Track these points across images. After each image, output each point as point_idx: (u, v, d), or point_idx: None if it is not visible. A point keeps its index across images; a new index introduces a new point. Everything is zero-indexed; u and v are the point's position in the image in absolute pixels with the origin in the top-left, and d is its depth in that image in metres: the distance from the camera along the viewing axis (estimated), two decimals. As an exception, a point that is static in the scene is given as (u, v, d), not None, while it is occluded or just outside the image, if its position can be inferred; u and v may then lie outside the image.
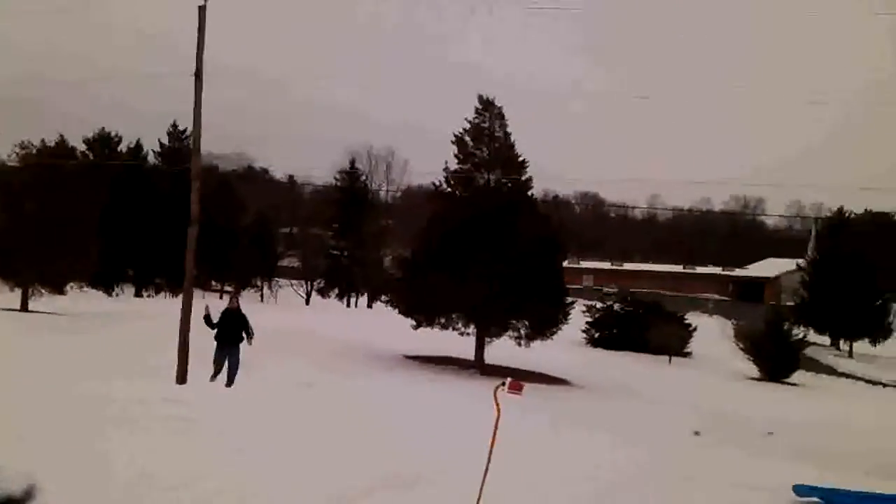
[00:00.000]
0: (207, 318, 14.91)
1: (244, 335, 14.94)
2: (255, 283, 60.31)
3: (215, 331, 14.91)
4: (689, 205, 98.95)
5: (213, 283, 53.57)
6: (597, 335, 40.38)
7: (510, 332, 24.50)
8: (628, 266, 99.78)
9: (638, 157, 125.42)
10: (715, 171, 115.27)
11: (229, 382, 14.57)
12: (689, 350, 38.84)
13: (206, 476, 6.63)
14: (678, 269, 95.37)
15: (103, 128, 56.67)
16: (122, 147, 56.72)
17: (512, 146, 25.38)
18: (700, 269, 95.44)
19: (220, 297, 14.78)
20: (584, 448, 11.02)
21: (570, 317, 25.38)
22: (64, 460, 6.55)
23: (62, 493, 5.66)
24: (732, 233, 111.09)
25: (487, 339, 24.54)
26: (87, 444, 7.23)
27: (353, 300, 64.69)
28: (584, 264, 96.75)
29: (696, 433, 16.31)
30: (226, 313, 15.09)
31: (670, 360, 35.67)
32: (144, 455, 7.06)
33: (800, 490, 8.50)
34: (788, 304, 54.62)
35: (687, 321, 40.79)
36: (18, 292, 29.67)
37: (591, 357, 34.45)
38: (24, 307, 28.79)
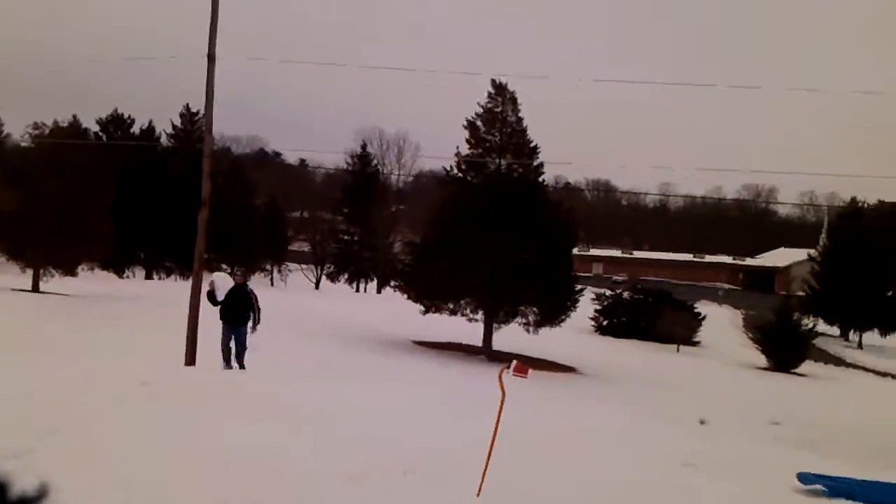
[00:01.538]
0: (211, 295, 13.74)
1: (250, 315, 13.68)
2: (265, 267, 60.51)
3: (219, 308, 13.68)
4: (701, 192, 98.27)
5: (224, 266, 53.91)
6: (605, 323, 40.39)
7: (519, 319, 24.53)
8: (638, 254, 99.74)
9: (649, 144, 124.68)
10: (727, 160, 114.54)
11: (240, 365, 13.55)
12: (697, 339, 38.82)
13: (203, 458, 6.69)
14: (689, 257, 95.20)
15: (116, 109, 56.84)
16: (135, 129, 56.84)
17: (524, 131, 25.32)
18: (710, 258, 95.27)
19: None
20: (586, 434, 11.09)
21: (578, 304, 25.40)
22: (63, 439, 6.63)
23: (56, 465, 5.75)
24: (744, 222, 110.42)
25: (496, 326, 24.57)
26: (86, 422, 7.31)
27: (362, 285, 64.83)
28: (594, 252, 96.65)
29: (702, 422, 16.32)
30: (233, 290, 13.79)
31: (678, 348, 35.68)
32: (141, 435, 7.14)
33: (804, 478, 8.53)
34: (799, 293, 54.50)
35: (696, 310, 40.78)
36: (30, 273, 29.87)
37: (598, 345, 34.50)
38: (35, 288, 29.01)
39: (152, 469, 6.17)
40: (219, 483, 6.07)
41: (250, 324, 13.66)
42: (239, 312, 13.65)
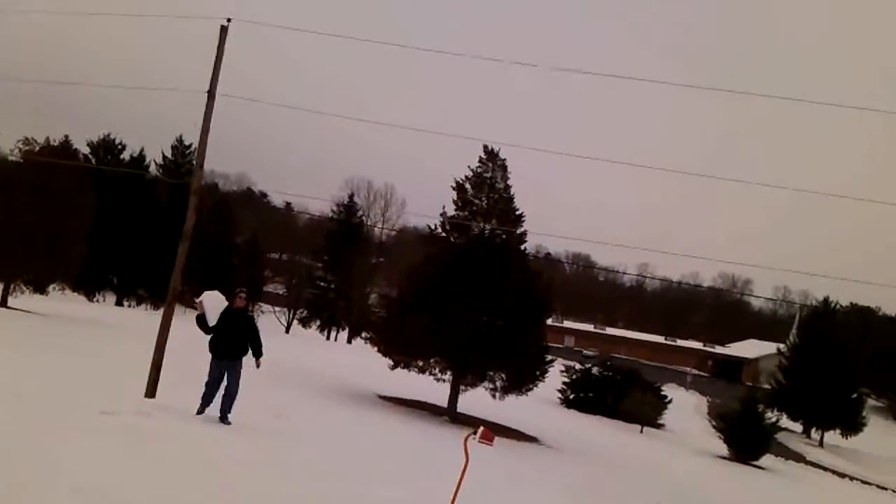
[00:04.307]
0: (201, 319, 11.48)
1: (250, 348, 11.43)
2: (238, 305, 60.07)
3: (210, 337, 11.45)
4: (678, 276, 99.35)
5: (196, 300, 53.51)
6: (572, 396, 40.33)
7: (486, 384, 24.42)
8: (611, 331, 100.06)
9: (629, 224, 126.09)
10: (705, 248, 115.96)
11: (224, 413, 11.20)
12: (662, 422, 38.79)
13: (152, 495, 6.59)
14: (660, 339, 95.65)
15: (108, 133, 56.95)
16: (125, 155, 56.87)
17: (511, 199, 25.53)
18: (682, 342, 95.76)
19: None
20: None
21: (547, 375, 25.34)
22: (13, 462, 6.51)
23: (3, 492, 5.64)
24: (718, 310, 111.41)
25: (462, 388, 24.43)
26: (41, 449, 7.19)
27: (333, 333, 64.47)
28: (568, 324, 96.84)
29: (660, 505, 16.25)
30: (228, 313, 11.48)
31: (642, 429, 35.58)
32: (92, 465, 7.02)
33: None
34: (765, 386, 54.87)
35: (663, 392, 40.84)
36: (-1, 287, 29.52)
37: (563, 417, 34.39)
38: (2, 303, 28.61)
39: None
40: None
41: (248, 358, 11.43)
42: (236, 343, 11.36)
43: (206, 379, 11.39)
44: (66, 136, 43.14)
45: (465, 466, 6.93)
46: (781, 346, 61.77)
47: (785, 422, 43.44)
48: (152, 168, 58.18)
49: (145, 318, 32.87)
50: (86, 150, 54.08)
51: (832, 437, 50.30)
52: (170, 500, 6.43)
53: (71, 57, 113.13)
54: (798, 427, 52.14)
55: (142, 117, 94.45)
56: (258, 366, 11.44)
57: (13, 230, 27.77)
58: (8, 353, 16.07)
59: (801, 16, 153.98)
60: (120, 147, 57.04)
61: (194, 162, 16.60)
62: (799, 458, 40.57)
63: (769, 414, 36.48)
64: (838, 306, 56.77)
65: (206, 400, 11.37)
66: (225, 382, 11.30)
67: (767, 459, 33.97)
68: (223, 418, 11.21)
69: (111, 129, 58.11)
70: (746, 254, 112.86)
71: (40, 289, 31.29)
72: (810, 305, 63.25)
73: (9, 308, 28.03)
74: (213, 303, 11.57)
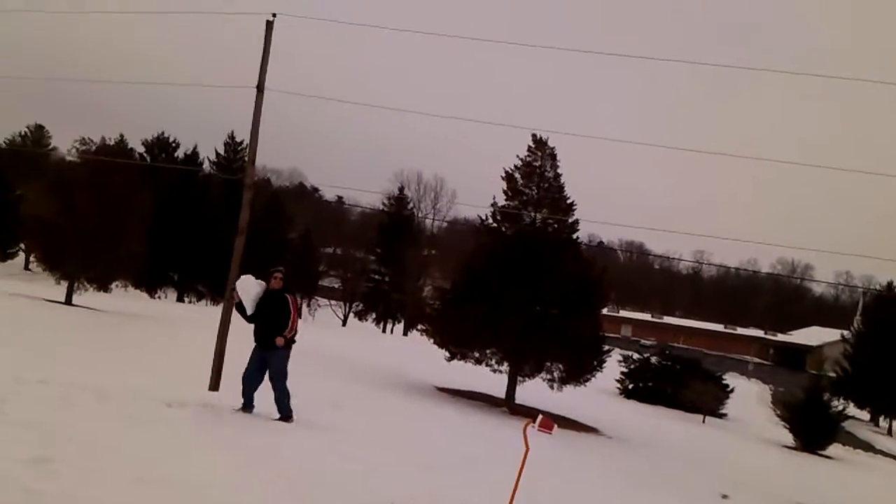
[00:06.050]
0: (239, 307, 10.78)
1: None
2: (294, 300, 60.86)
3: (252, 326, 10.76)
4: (735, 263, 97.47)
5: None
6: (631, 386, 39.82)
7: (544, 374, 24.22)
8: (668, 320, 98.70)
9: (685, 210, 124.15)
10: (764, 233, 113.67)
11: (279, 409, 10.55)
12: (724, 412, 38.08)
13: (213, 484, 6.60)
14: (719, 327, 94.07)
15: (163, 132, 58.02)
16: (179, 153, 57.86)
17: (561, 187, 25.26)
18: (741, 331, 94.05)
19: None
20: (611, 499, 10.83)
21: (605, 365, 25.05)
22: (78, 451, 6.58)
23: (72, 481, 5.69)
24: (778, 296, 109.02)
25: (520, 379, 24.28)
26: (103, 438, 7.27)
27: (389, 326, 64.81)
28: (624, 314, 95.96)
29: (725, 496, 15.90)
30: (266, 297, 10.69)
31: (704, 419, 34.98)
32: (156, 456, 7.07)
33: None
34: (830, 374, 53.55)
35: (725, 381, 40.07)
36: (64, 285, 30.22)
37: (623, 408, 33.96)
38: (68, 300, 29.31)
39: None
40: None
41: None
42: (271, 328, 10.47)
43: (244, 371, 10.59)
44: (122, 136, 44.13)
45: (526, 455, 6.80)
46: (845, 332, 60.21)
47: (852, 410, 42.34)
48: (206, 165, 59.16)
49: (206, 313, 33.42)
50: (141, 148, 55.26)
51: (902, 425, 49.05)
52: (229, 487, 6.43)
53: (122, 57, 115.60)
54: (865, 415, 50.88)
55: (194, 116, 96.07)
56: (279, 342, 10.36)
57: (74, 229, 28.43)
58: (75, 350, 16.43)
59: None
60: (174, 145, 58.09)
61: (246, 158, 16.74)
62: (867, 446, 39.52)
63: (835, 402, 35.55)
64: (902, 291, 55.08)
65: (246, 392, 10.51)
66: (267, 373, 10.52)
67: (835, 449, 33.12)
68: (282, 414, 10.52)
69: (165, 129, 59.26)
70: (806, 239, 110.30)
71: (103, 286, 31.97)
72: (874, 290, 61.54)
73: (73, 305, 28.72)
74: (248, 288, 10.78)
